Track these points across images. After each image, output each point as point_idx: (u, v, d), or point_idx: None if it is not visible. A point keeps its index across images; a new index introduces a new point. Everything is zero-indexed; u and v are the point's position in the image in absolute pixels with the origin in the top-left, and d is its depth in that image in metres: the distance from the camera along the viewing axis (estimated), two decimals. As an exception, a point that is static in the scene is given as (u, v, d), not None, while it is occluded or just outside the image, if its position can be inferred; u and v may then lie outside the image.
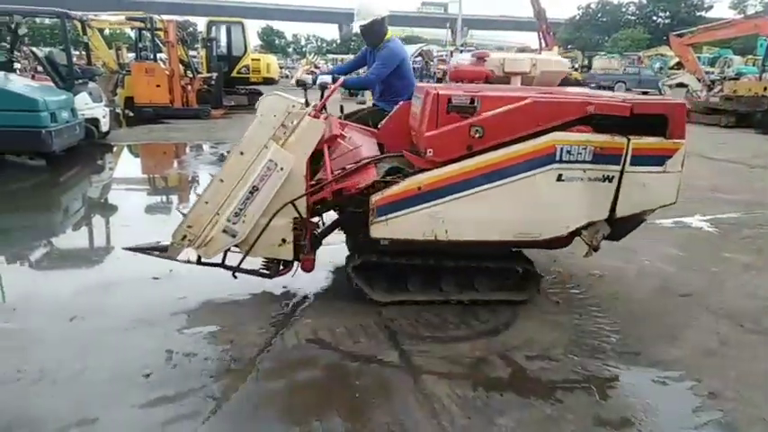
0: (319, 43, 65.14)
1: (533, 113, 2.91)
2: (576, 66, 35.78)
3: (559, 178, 2.94)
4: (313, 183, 3.07)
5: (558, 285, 3.74)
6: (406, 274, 3.34)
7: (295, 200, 2.99)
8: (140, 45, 13.61)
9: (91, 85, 9.07)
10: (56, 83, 8.26)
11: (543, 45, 35.58)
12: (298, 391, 2.50)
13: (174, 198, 6.59)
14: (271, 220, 2.98)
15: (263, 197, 2.93)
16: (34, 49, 10.76)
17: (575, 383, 2.61)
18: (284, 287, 3.55)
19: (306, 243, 3.13)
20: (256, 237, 3.01)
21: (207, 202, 2.99)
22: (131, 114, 12.41)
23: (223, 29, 15.90)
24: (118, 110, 12.21)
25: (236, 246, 3.06)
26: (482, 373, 2.68)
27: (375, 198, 2.95)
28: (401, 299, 3.31)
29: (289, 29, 67.48)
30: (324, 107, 3.21)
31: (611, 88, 25.84)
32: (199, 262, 3.15)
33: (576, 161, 2.92)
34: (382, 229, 3.00)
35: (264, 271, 3.29)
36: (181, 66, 12.85)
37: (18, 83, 7.44)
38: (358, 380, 2.59)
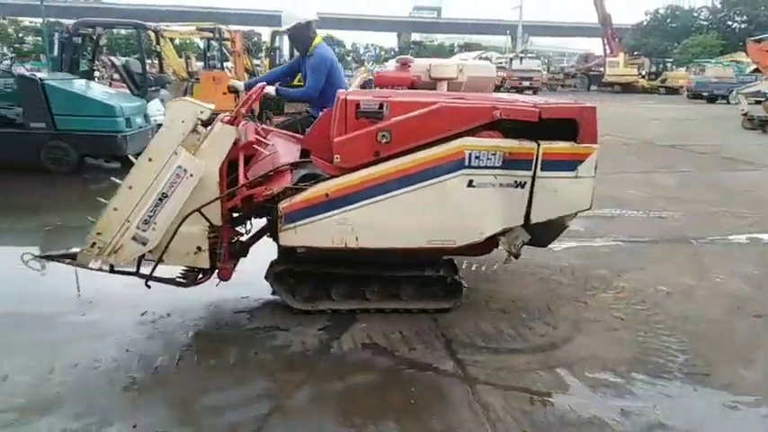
0: (378, 51, 65.80)
1: (441, 118, 2.87)
2: (644, 73, 34.45)
3: (470, 184, 2.90)
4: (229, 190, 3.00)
5: (622, 301, 3.60)
6: (330, 283, 3.26)
7: (202, 207, 2.88)
8: (209, 54, 14.23)
9: (163, 92, 9.58)
10: (131, 90, 8.77)
11: (608, 51, 34.56)
12: (354, 394, 2.54)
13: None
14: (178, 227, 2.88)
15: (173, 204, 2.84)
16: (113, 58, 11.45)
17: (638, 402, 2.51)
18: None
19: (222, 251, 3.03)
20: (166, 244, 2.91)
21: (116, 209, 2.85)
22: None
23: (286, 38, 16.36)
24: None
25: (150, 253, 2.96)
26: (539, 387, 2.62)
27: (283, 205, 2.89)
28: (323, 308, 3.24)
29: (348, 38, 68.65)
30: (251, 113, 3.21)
31: (725, 97, 24.57)
32: (112, 270, 3.00)
33: (486, 167, 2.88)
34: (291, 237, 2.93)
35: (181, 279, 3.16)
36: (246, 74, 13.34)
37: (97, 90, 7.96)
38: (413, 386, 2.59)
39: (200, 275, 3.13)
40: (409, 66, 3.48)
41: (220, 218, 2.96)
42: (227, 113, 3.07)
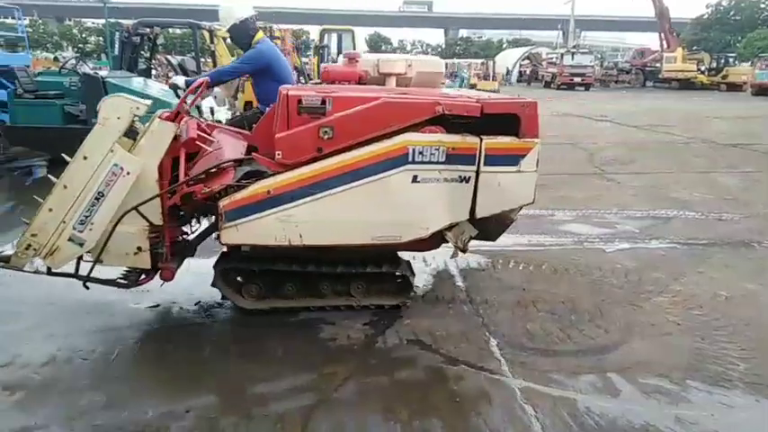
0: (424, 48, 65.57)
1: (383, 114, 2.84)
2: (703, 68, 32.87)
3: (415, 179, 2.88)
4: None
5: (678, 305, 3.46)
6: (281, 280, 3.19)
7: (139, 206, 2.79)
8: (259, 52, 14.53)
9: (216, 89, 9.83)
10: (186, 88, 9.06)
11: (665, 46, 33.14)
12: (399, 390, 2.54)
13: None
14: (115, 227, 2.80)
15: (110, 203, 2.74)
16: (169, 56, 11.87)
17: (694, 411, 2.41)
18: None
19: (164, 251, 2.94)
20: (103, 245, 2.81)
21: (51, 210, 2.74)
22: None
23: (334, 36, 16.55)
24: (237, 113, 13.13)
25: (89, 253, 2.86)
26: (589, 390, 2.55)
27: (223, 203, 2.82)
28: (272, 306, 3.19)
29: (396, 35, 68.66)
30: (198, 109, 3.12)
31: None
32: (49, 272, 2.89)
33: (430, 162, 2.87)
34: (233, 235, 2.87)
35: (122, 281, 3.07)
36: (294, 71, 13.56)
37: (155, 88, 8.26)
38: (457, 385, 2.58)
39: (143, 276, 3.04)
40: (357, 61, 3.43)
41: (161, 217, 2.87)
42: (167, 110, 2.95)
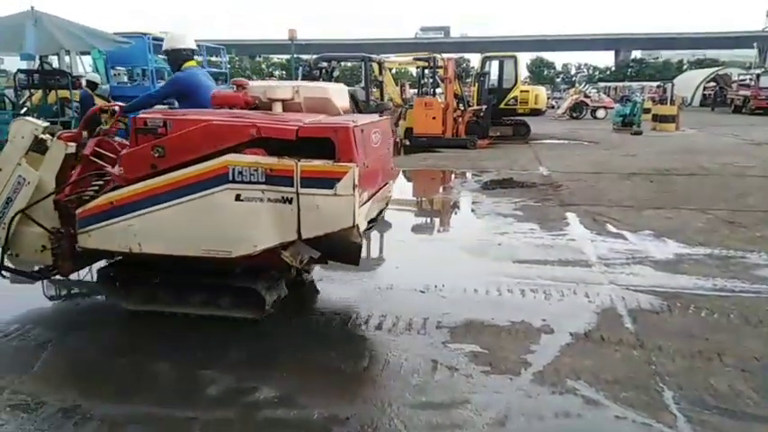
0: (591, 71, 62.30)
1: (207, 135, 3.05)
2: None
3: (238, 198, 3.00)
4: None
5: None
6: (159, 286, 3.46)
7: (25, 209, 3.35)
8: (422, 81, 15.12)
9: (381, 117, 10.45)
10: (355, 115, 9.76)
11: None
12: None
13: (437, 220, 7.11)
14: (9, 227, 3.37)
15: (16, 208, 3.36)
16: (341, 87, 12.90)
17: None
18: (543, 320, 3.49)
19: (61, 250, 3.38)
20: (9, 242, 3.43)
21: None
22: (408, 143, 13.84)
23: (495, 63, 16.57)
24: (398, 139, 13.76)
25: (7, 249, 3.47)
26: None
27: (79, 211, 3.26)
28: (150, 309, 3.49)
29: (560, 59, 66.33)
30: (126, 127, 3.53)
31: None
32: None
33: (251, 182, 2.97)
34: (86, 240, 3.28)
35: (35, 273, 3.68)
36: (454, 99, 13.84)
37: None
38: (624, 435, 2.38)
39: (52, 270, 3.55)
40: (245, 88, 3.54)
41: (58, 220, 3.39)
42: (69, 131, 3.61)
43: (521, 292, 4.03)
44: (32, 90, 10.70)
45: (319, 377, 2.91)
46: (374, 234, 6.18)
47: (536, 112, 16.35)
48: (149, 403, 2.64)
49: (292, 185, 2.97)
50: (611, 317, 3.60)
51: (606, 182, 8.58)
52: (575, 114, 26.34)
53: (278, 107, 3.45)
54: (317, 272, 4.40)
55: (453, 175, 10.07)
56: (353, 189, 2.95)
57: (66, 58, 13.71)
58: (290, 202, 3.00)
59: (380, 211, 3.83)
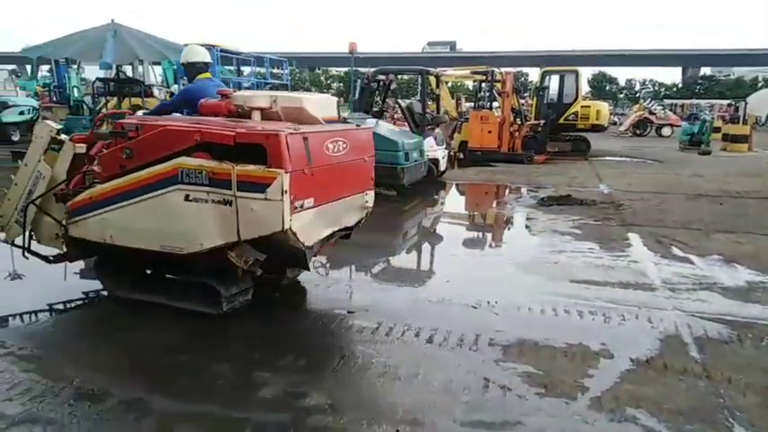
0: (656, 88, 59.89)
1: (162, 139, 3.30)
2: None
3: (187, 198, 3.21)
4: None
5: None
6: (142, 277, 3.84)
7: (34, 200, 3.74)
8: (479, 95, 15.01)
9: (436, 130, 10.44)
10: (411, 128, 9.80)
11: None
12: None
13: (490, 235, 7.00)
14: (26, 215, 3.76)
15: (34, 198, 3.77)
16: (399, 100, 13.00)
17: None
18: (602, 344, 3.36)
19: (65, 239, 3.72)
20: (31, 228, 3.84)
21: (9, 199, 3.93)
22: (462, 157, 13.75)
23: (556, 78, 16.25)
24: (452, 152, 13.70)
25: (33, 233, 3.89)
26: None
27: (69, 203, 3.63)
28: (135, 297, 3.80)
29: (623, 74, 64.14)
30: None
31: None
32: (6, 242, 4.05)
33: (196, 183, 3.17)
34: (74, 229, 3.66)
35: (52, 258, 3.97)
36: (511, 113, 13.65)
37: (385, 128, 9.11)
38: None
39: (64, 256, 3.92)
40: (228, 97, 3.67)
41: (65, 212, 3.70)
42: (82, 133, 4.04)
43: (578, 313, 3.90)
44: (108, 97, 11.40)
45: (366, 388, 2.91)
46: (425, 247, 6.19)
47: (597, 128, 15.90)
48: (207, 402, 2.72)
49: (230, 188, 3.13)
50: (676, 344, 3.41)
51: (672, 202, 8.19)
52: (638, 131, 25.45)
53: (257, 115, 3.54)
54: (365, 279, 4.40)
55: (508, 190, 9.90)
56: (282, 194, 3.04)
57: (140, 68, 14.52)
58: (230, 204, 3.15)
59: (359, 221, 4.07)
